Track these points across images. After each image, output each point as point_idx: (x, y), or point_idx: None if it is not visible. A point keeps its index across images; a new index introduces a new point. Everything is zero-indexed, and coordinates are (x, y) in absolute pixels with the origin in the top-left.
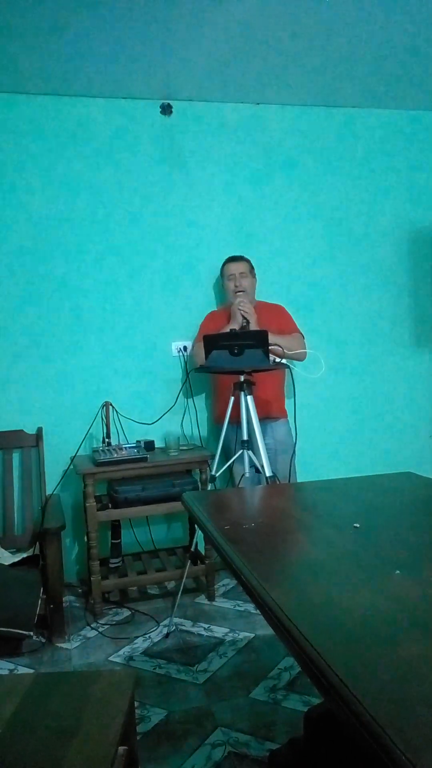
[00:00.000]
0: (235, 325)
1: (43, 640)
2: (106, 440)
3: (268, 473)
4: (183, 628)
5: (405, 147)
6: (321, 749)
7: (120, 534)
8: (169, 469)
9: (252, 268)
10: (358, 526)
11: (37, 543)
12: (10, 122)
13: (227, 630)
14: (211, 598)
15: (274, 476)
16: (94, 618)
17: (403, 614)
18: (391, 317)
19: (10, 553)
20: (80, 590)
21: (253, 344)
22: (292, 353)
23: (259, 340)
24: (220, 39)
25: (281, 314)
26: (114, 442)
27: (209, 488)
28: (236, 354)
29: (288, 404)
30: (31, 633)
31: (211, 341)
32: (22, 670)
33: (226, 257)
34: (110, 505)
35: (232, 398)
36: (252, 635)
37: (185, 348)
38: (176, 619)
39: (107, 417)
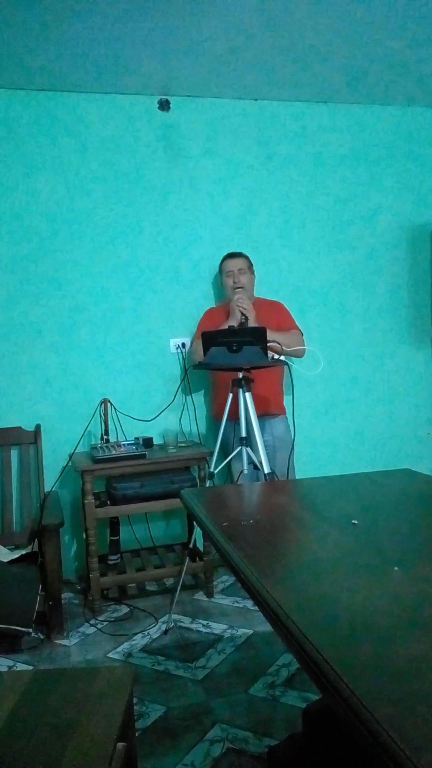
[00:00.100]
0: (233, 322)
1: (42, 637)
2: (105, 437)
3: (266, 470)
4: (182, 624)
5: (405, 144)
6: (320, 745)
7: (118, 531)
8: (167, 466)
9: (251, 264)
10: (356, 522)
11: (36, 540)
12: (5, 118)
13: (226, 626)
14: (209, 594)
15: (272, 473)
16: (93, 615)
17: (402, 611)
18: (390, 314)
19: (9, 550)
20: (79, 587)
21: (252, 341)
22: (291, 350)
23: (258, 336)
24: (218, 34)
25: (280, 311)
26: (112, 439)
27: (208, 485)
28: (235, 351)
29: (286, 401)
30: (30, 630)
31: (209, 338)
32: (21, 666)
33: (225, 254)
34: (109, 502)
35: (231, 395)
36: (250, 632)
37: (184, 345)
38: (175, 616)
39: (105, 414)
